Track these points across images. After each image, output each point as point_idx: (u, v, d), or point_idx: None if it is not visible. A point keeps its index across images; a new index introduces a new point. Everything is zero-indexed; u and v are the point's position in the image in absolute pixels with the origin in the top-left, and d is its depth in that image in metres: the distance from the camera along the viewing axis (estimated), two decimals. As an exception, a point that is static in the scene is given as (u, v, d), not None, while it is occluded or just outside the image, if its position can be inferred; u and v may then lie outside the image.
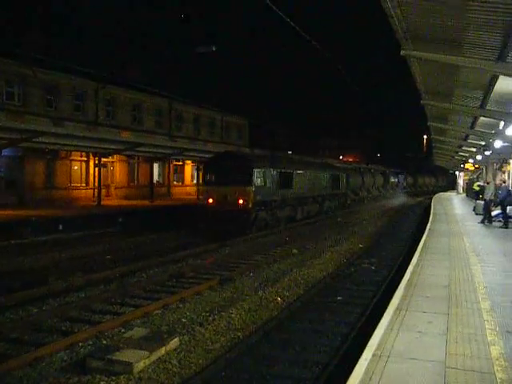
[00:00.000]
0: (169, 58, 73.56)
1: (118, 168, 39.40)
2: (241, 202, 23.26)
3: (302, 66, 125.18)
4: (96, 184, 31.90)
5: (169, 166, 44.48)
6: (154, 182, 40.26)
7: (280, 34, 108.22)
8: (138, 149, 31.99)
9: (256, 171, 24.23)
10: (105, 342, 8.71)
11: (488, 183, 27.01)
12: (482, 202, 28.15)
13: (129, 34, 72.77)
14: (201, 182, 35.46)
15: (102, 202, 30.69)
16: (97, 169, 31.38)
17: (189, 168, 48.54)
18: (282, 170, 27.41)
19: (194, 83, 59.33)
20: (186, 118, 50.31)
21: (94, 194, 34.17)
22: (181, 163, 47.11)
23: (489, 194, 23.71)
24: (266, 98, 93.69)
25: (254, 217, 23.99)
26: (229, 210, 23.07)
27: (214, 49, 30.31)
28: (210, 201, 23.78)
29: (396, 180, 75.36)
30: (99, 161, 31.16)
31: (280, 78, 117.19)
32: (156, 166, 42.64)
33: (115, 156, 36.97)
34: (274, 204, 26.30)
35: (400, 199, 62.61)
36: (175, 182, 46.69)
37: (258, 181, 24.31)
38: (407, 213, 43.68)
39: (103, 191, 33.76)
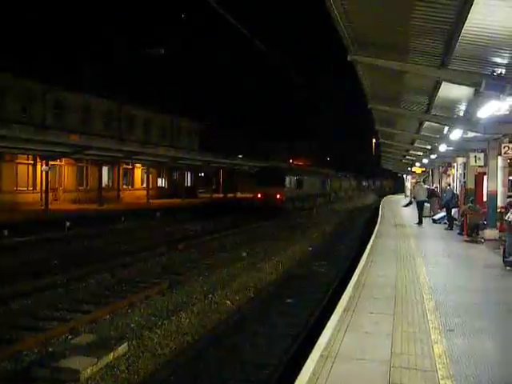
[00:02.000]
0: (119, 61, 72.69)
1: (66, 171, 38.74)
2: (278, 197, 38.27)
3: (251, 70, 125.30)
4: (43, 188, 31.26)
5: (118, 169, 43.93)
6: (104, 185, 39.75)
7: (230, 39, 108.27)
8: (86, 152, 31.55)
9: (287, 178, 40.23)
10: (51, 349, 8.51)
11: (414, 186, 27.83)
12: (428, 205, 29.00)
13: (78, 36, 71.54)
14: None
15: (50, 206, 30.08)
16: (44, 172, 30.76)
17: (139, 172, 48.09)
18: (298, 177, 43.74)
19: (144, 86, 58.68)
20: (136, 121, 49.86)
21: (41, 197, 33.46)
22: (130, 167, 46.63)
23: (421, 195, 25.42)
24: (216, 102, 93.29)
25: (284, 206, 38.94)
26: (270, 202, 37.61)
27: (162, 51, 30.18)
28: (259, 196, 38.86)
29: (366, 184, 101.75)
30: (47, 164, 30.55)
31: (230, 83, 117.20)
32: (105, 170, 42.11)
33: (63, 159, 36.37)
34: (293, 198, 41.95)
35: (365, 199, 76.69)
36: (125, 186, 46.14)
37: (287, 184, 40.07)
38: (362, 212, 47.45)
39: (51, 195, 33.10)
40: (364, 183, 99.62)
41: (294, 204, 42.16)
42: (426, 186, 32.86)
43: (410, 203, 25.79)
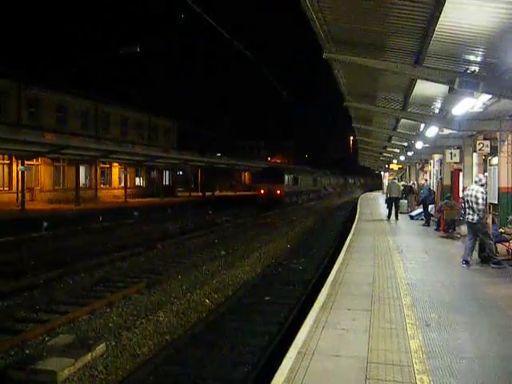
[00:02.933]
0: (94, 59, 72.16)
1: (42, 171, 38.40)
2: (278, 192, 46.02)
3: (228, 69, 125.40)
4: (20, 188, 30.94)
5: (95, 168, 43.65)
6: (81, 185, 39.47)
7: (205, 37, 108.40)
8: (63, 151, 31.30)
9: (286, 176, 48.14)
10: (28, 351, 8.43)
11: (392, 182, 28.11)
12: (406, 201, 29.28)
13: (54, 34, 70.94)
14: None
15: (27, 207, 29.81)
16: (20, 172, 30.45)
17: (116, 171, 47.79)
18: (294, 175, 52.33)
19: (120, 84, 58.40)
20: (112, 119, 49.56)
21: (17, 197, 33.10)
22: (108, 166, 46.34)
23: (394, 192, 25.67)
24: (193, 100, 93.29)
25: (284, 200, 46.37)
26: (271, 197, 45.02)
27: (138, 50, 29.96)
28: (262, 191, 46.24)
29: (353, 181, 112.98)
30: (22, 164, 30.26)
31: (206, 81, 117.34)
32: (82, 169, 41.81)
33: (40, 159, 36.03)
34: (291, 194, 49.99)
35: (351, 194, 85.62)
36: (102, 185, 45.87)
37: (286, 181, 48.01)
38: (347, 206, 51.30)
39: (27, 195, 32.78)
40: (350, 180, 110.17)
41: (291, 198, 50.71)
42: (402, 183, 33.25)
43: (387, 201, 26.27)
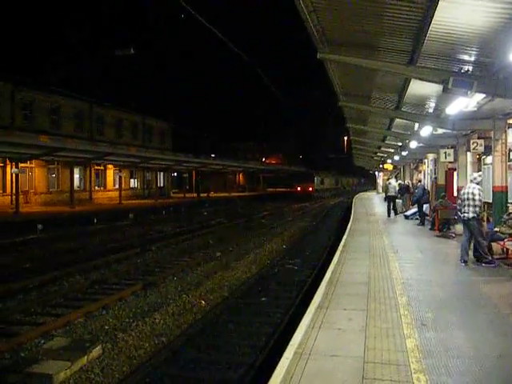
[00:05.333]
0: (89, 61, 72.08)
1: (37, 173, 38.28)
2: (310, 189, 69.26)
3: (222, 70, 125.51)
4: (14, 190, 30.84)
5: (90, 170, 43.57)
6: (75, 187, 39.38)
7: (200, 39, 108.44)
8: (57, 153, 31.22)
9: (315, 177, 71.63)
10: (23, 354, 8.39)
11: (388, 183, 28.67)
12: (400, 201, 29.42)
13: (47, 36, 70.81)
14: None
15: (21, 209, 29.71)
16: (14, 175, 30.35)
17: (111, 173, 47.70)
18: (321, 177, 75.36)
19: (115, 86, 58.33)
20: (107, 121, 49.43)
21: (11, 200, 32.99)
22: (102, 168, 46.25)
23: (390, 191, 26.93)
24: (187, 102, 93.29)
25: (314, 195, 67.21)
26: (305, 192, 67.21)
27: (132, 51, 29.85)
28: (299, 188, 69.01)
29: (362, 181, 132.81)
30: (17, 166, 30.16)
31: (201, 83, 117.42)
32: (76, 171, 41.73)
33: (34, 161, 35.92)
34: (319, 190, 71.82)
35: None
36: (97, 188, 45.77)
37: (315, 181, 71.25)
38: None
39: (22, 198, 32.67)
40: (363, 180, 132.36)
41: (319, 194, 71.67)
42: (399, 182, 33.62)
43: (385, 198, 27.62)
